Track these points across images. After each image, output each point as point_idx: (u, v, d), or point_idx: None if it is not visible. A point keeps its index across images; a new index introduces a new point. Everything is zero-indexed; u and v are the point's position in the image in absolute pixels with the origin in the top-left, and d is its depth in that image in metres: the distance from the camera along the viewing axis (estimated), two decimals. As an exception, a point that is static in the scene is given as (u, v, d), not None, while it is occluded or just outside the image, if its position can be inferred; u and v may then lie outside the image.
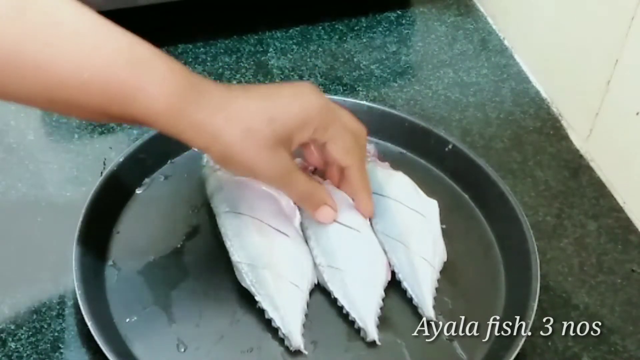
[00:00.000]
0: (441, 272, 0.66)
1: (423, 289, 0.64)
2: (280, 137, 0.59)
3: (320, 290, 0.65)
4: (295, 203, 0.67)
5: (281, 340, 0.61)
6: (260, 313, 0.62)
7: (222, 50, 0.90)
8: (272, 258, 0.64)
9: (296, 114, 0.60)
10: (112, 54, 0.53)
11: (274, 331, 0.61)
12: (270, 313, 0.61)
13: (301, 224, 0.68)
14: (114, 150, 0.76)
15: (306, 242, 0.67)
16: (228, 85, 0.60)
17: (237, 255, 0.64)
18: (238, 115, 0.57)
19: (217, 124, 0.57)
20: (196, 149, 0.58)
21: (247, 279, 0.63)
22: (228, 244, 0.65)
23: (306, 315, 0.62)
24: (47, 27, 0.51)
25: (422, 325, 0.63)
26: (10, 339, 0.62)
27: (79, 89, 0.53)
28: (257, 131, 0.58)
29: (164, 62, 0.55)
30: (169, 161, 0.75)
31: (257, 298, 0.62)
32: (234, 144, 0.57)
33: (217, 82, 0.60)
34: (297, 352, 0.60)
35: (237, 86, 0.61)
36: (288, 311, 0.61)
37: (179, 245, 0.68)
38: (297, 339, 0.60)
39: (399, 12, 0.97)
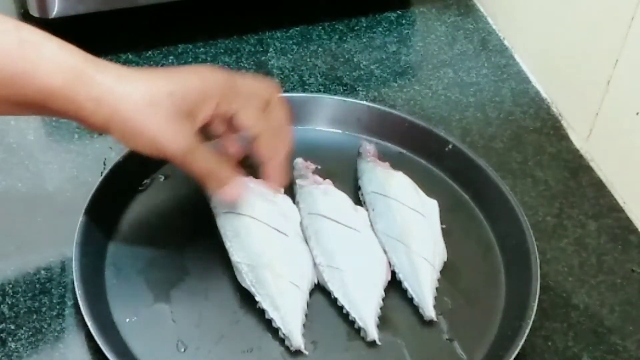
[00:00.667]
0: (441, 272, 0.66)
1: (423, 289, 0.64)
2: (181, 110, 0.58)
3: (320, 290, 0.65)
4: (198, 178, 0.63)
5: (281, 340, 0.61)
6: (260, 313, 0.62)
7: (222, 50, 0.90)
8: (272, 258, 0.64)
9: (196, 88, 0.60)
10: None
11: (274, 331, 0.61)
12: (271, 313, 0.61)
13: (301, 223, 0.68)
14: (114, 150, 0.76)
15: (306, 242, 0.67)
16: (124, 66, 0.60)
17: (236, 255, 0.64)
18: (138, 89, 0.57)
19: (117, 97, 0.57)
20: (95, 130, 0.58)
21: (247, 279, 0.63)
22: (228, 245, 0.65)
23: (306, 315, 0.62)
24: None
25: (422, 325, 0.63)
26: (10, 339, 0.62)
27: None
28: (158, 104, 0.57)
29: (55, 41, 0.56)
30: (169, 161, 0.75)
31: (257, 298, 0.62)
32: (135, 118, 0.57)
33: (112, 62, 0.60)
34: (298, 352, 0.60)
35: (137, 68, 0.61)
36: (288, 311, 0.61)
37: (179, 245, 0.68)
38: (297, 339, 0.60)
39: (399, 12, 0.97)
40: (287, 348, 0.61)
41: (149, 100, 0.57)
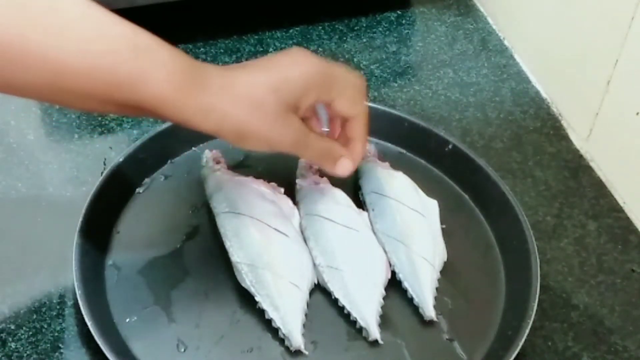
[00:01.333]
0: (441, 272, 0.66)
1: (423, 289, 0.64)
2: (287, 104, 0.59)
3: (320, 290, 0.65)
4: (314, 162, 0.67)
5: (281, 340, 0.61)
6: (260, 313, 0.62)
7: (222, 50, 0.90)
8: (272, 258, 0.64)
9: (298, 80, 0.60)
10: (116, 40, 0.53)
11: (274, 331, 0.61)
12: (271, 313, 0.61)
13: (300, 224, 0.68)
14: (114, 150, 0.76)
15: (305, 242, 0.67)
16: (226, 65, 0.61)
17: (236, 255, 0.64)
18: (243, 92, 0.58)
19: (225, 104, 0.57)
20: (208, 134, 0.59)
21: (247, 280, 0.63)
22: (228, 244, 0.65)
23: (306, 315, 0.62)
24: (50, 15, 0.51)
25: (422, 325, 0.63)
26: (10, 339, 0.62)
27: (84, 76, 0.53)
28: (265, 103, 0.58)
29: (166, 47, 0.56)
30: (169, 161, 0.75)
31: (257, 298, 0.62)
32: (245, 120, 0.58)
33: (215, 64, 0.61)
34: (297, 352, 0.60)
35: (234, 65, 0.62)
36: (288, 311, 0.61)
37: (179, 245, 0.68)
38: (297, 339, 0.60)
39: (399, 12, 0.97)
40: (287, 348, 0.61)
41: (256, 102, 0.58)
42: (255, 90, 0.58)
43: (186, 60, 0.57)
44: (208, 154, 0.72)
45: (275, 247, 0.65)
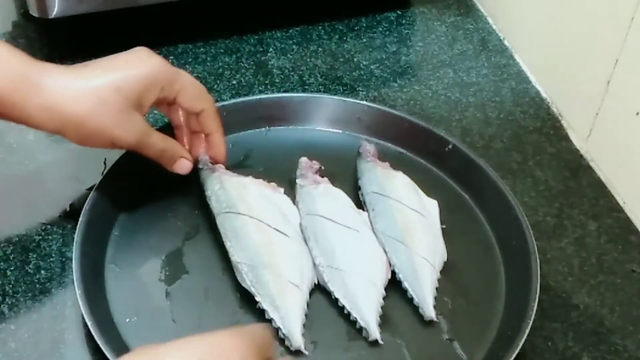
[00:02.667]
0: (441, 272, 0.66)
1: (423, 289, 0.64)
2: (131, 102, 0.62)
3: (320, 290, 0.65)
4: (154, 159, 0.68)
5: (281, 341, 0.61)
6: (260, 313, 0.62)
7: (222, 50, 0.90)
8: (272, 258, 0.64)
9: (141, 77, 0.63)
10: None
11: (274, 331, 0.61)
12: (271, 313, 0.61)
13: (300, 224, 0.68)
14: (114, 150, 0.76)
15: (305, 242, 0.67)
16: (69, 66, 0.63)
17: (236, 255, 0.64)
18: (86, 90, 0.60)
19: (67, 102, 0.59)
20: (49, 133, 0.61)
21: (247, 280, 0.63)
22: (228, 245, 0.65)
23: (306, 315, 0.62)
24: None
25: (423, 325, 0.63)
26: (10, 339, 0.62)
27: None
28: (108, 101, 0.60)
29: (3, 47, 0.58)
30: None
31: (257, 298, 0.62)
32: (88, 118, 0.60)
33: (57, 65, 0.62)
34: (298, 352, 0.60)
35: (77, 65, 0.64)
36: (288, 311, 0.61)
37: (179, 246, 0.68)
38: (297, 339, 0.60)
39: (399, 12, 0.97)
40: (288, 348, 0.61)
41: (98, 100, 0.60)
42: (98, 89, 0.60)
43: (25, 59, 0.59)
44: (206, 155, 0.72)
45: (276, 247, 0.65)
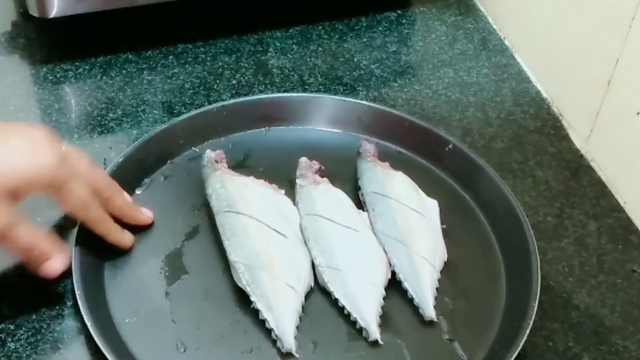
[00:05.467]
0: (441, 272, 0.66)
1: (423, 289, 0.64)
2: (3, 192, 0.56)
3: (320, 290, 0.65)
4: (21, 258, 0.62)
5: (274, 342, 0.61)
6: (256, 313, 0.62)
7: (222, 50, 0.90)
8: (269, 259, 0.64)
9: (23, 172, 0.57)
10: None
11: (267, 332, 0.61)
12: (265, 314, 0.61)
13: (300, 224, 0.68)
14: (114, 150, 0.76)
15: (305, 242, 0.67)
16: None
17: (234, 254, 0.64)
18: None
19: None
20: None
21: (243, 279, 0.63)
22: (226, 243, 0.65)
23: (301, 318, 0.62)
24: None
25: (423, 326, 0.63)
26: (10, 339, 0.62)
27: None
28: None
29: None
30: (169, 161, 0.75)
31: (252, 298, 0.62)
32: None
33: None
34: (289, 354, 0.60)
35: None
36: (282, 313, 0.61)
37: (179, 245, 0.68)
38: (289, 341, 0.60)
39: (399, 11, 0.97)
40: (279, 349, 0.60)
41: None
42: None
43: None
44: (210, 154, 0.72)
45: (273, 248, 0.65)
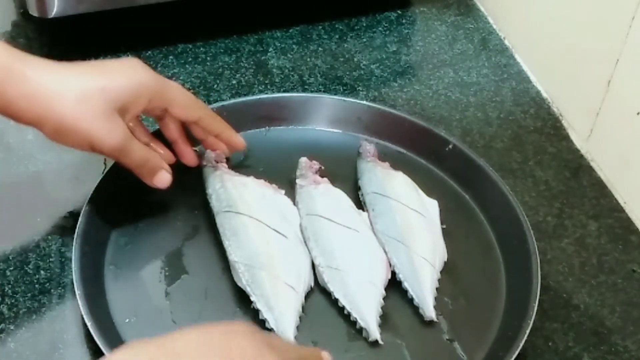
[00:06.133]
0: (441, 272, 0.66)
1: (423, 289, 0.64)
2: (114, 106, 0.60)
3: (320, 290, 0.65)
4: (133, 170, 0.66)
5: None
6: (256, 313, 0.62)
7: (222, 50, 0.90)
8: (269, 258, 0.64)
9: (129, 85, 0.62)
10: None
11: (272, 332, 0.61)
12: (265, 314, 0.61)
13: (300, 224, 0.68)
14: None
15: (305, 243, 0.67)
16: (56, 62, 0.62)
17: (234, 254, 0.64)
18: (70, 85, 0.59)
19: (49, 94, 0.58)
20: (26, 124, 0.60)
21: (243, 279, 0.63)
22: (226, 243, 0.65)
23: (301, 318, 0.62)
24: None
25: (423, 326, 0.63)
26: (10, 339, 0.62)
27: None
28: (90, 100, 0.59)
29: None
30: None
31: (252, 298, 0.62)
32: (68, 114, 0.58)
33: (44, 58, 0.61)
34: None
35: (65, 63, 0.62)
36: (282, 313, 0.61)
37: (179, 245, 0.68)
38: (289, 341, 0.60)
39: (399, 11, 0.97)
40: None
41: (81, 96, 0.59)
42: (83, 86, 0.59)
43: (8, 50, 0.58)
44: (210, 154, 0.72)
45: (273, 248, 0.65)
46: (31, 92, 0.57)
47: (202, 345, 0.45)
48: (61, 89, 0.58)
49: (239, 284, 0.63)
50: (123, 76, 0.62)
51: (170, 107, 0.65)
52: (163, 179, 0.67)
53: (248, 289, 0.62)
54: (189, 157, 0.71)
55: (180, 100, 0.66)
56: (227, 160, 0.73)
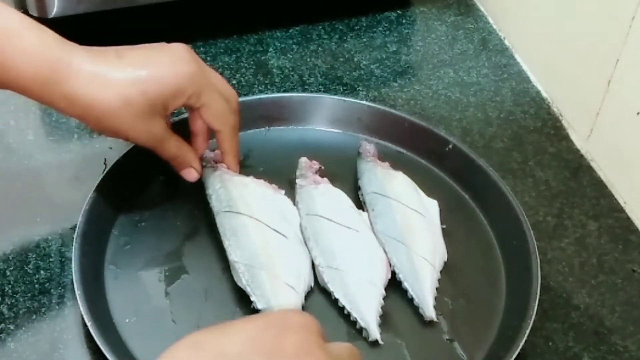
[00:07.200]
0: (441, 272, 0.66)
1: (423, 289, 0.64)
2: (154, 106, 0.62)
3: (320, 290, 0.65)
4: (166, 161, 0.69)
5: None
6: (256, 314, 0.62)
7: (222, 50, 0.90)
8: (269, 259, 0.64)
9: (170, 84, 0.62)
10: None
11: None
12: (264, 314, 0.61)
13: (300, 224, 0.68)
14: (114, 150, 0.76)
15: (305, 243, 0.67)
16: (101, 51, 0.62)
17: (234, 254, 0.64)
18: (112, 85, 0.60)
19: (91, 94, 0.59)
20: (73, 117, 0.63)
21: (243, 279, 0.63)
22: (226, 243, 0.65)
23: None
24: None
25: (423, 326, 0.63)
26: (10, 339, 0.62)
27: None
28: (132, 101, 0.60)
29: (35, 31, 0.58)
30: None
31: (252, 298, 0.62)
32: (109, 113, 0.60)
33: (90, 48, 0.62)
34: None
35: (110, 52, 0.63)
36: (283, 312, 0.61)
37: (178, 246, 0.68)
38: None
39: (399, 11, 0.97)
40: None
41: (122, 99, 0.60)
42: (124, 87, 0.60)
43: (55, 45, 0.59)
44: (209, 154, 0.72)
45: (273, 248, 0.65)
46: (72, 94, 0.59)
47: (250, 344, 0.44)
48: (101, 91, 0.59)
49: (239, 284, 0.63)
50: (168, 73, 0.62)
51: (201, 109, 0.66)
52: (190, 175, 0.69)
53: (248, 289, 0.62)
54: (198, 155, 0.71)
55: (213, 108, 0.66)
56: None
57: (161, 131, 0.64)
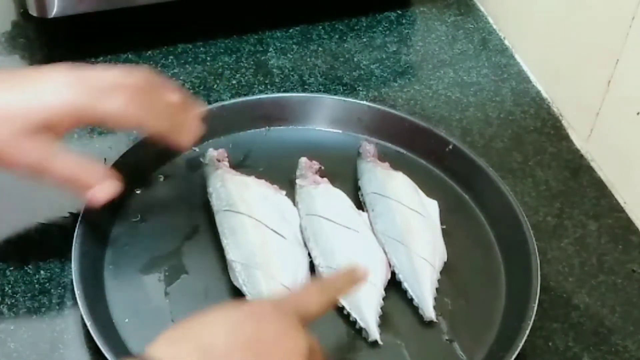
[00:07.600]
0: (441, 272, 0.66)
1: (423, 289, 0.64)
2: (37, 125, 0.58)
3: (320, 290, 0.65)
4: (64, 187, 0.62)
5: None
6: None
7: (222, 50, 0.90)
8: (266, 259, 0.64)
9: (54, 104, 0.58)
10: None
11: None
12: (260, 314, 0.61)
13: (300, 224, 0.68)
14: (114, 150, 0.76)
15: (305, 243, 0.67)
16: None
17: (232, 253, 0.64)
18: None
19: None
20: None
21: (240, 278, 0.63)
22: (224, 242, 0.65)
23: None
24: None
25: (422, 326, 0.63)
26: (10, 339, 0.62)
27: None
28: (10, 119, 0.57)
29: None
30: (169, 161, 0.75)
31: (248, 298, 0.62)
32: None
33: None
34: None
35: None
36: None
37: (178, 245, 0.68)
38: None
39: (399, 11, 0.97)
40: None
41: (2, 115, 0.57)
42: (5, 105, 0.57)
43: None
44: (212, 152, 0.72)
45: (271, 248, 0.65)
46: None
47: (231, 335, 0.46)
48: None
49: (236, 284, 0.63)
50: (51, 93, 0.58)
51: (106, 122, 0.61)
52: (92, 198, 0.62)
53: (244, 289, 0.62)
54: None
55: (112, 116, 0.60)
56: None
57: (44, 150, 0.59)
